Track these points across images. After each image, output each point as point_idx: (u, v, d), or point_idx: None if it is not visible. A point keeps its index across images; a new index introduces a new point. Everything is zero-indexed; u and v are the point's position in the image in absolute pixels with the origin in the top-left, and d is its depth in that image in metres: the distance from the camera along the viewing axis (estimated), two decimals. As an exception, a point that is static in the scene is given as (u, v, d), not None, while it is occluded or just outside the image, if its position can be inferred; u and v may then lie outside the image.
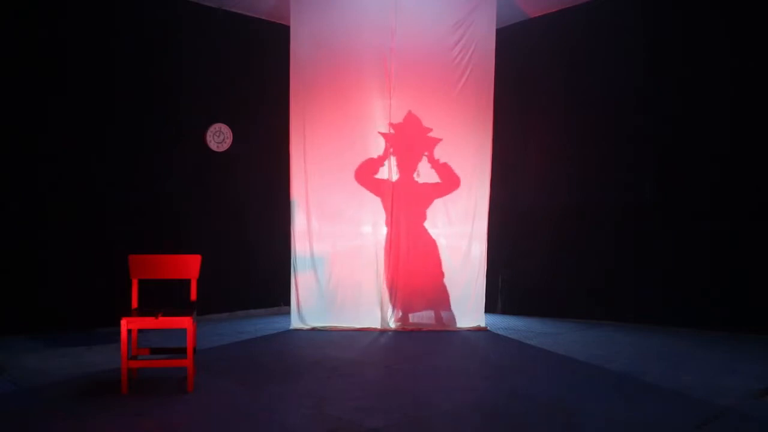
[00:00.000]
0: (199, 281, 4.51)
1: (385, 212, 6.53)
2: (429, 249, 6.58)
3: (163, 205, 6.61)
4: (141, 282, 4.45)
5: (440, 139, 6.52)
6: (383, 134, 6.50)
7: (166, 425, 3.60)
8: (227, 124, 7.04)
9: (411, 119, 6.52)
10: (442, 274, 6.57)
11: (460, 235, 6.58)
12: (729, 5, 6.03)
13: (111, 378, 4.36)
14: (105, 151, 6.30)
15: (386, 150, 6.52)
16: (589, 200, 6.88)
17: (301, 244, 6.49)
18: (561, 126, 7.15)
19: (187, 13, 6.75)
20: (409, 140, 6.52)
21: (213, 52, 6.96)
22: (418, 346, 5.67)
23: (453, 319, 6.51)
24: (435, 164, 6.54)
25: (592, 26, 6.83)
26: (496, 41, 6.58)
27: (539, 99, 7.30)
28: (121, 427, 3.52)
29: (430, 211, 6.59)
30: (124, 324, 4.02)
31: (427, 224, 6.59)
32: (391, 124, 6.50)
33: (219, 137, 6.99)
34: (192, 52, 6.82)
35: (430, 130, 6.52)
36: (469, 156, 6.58)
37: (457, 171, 6.58)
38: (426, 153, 6.53)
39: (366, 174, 6.52)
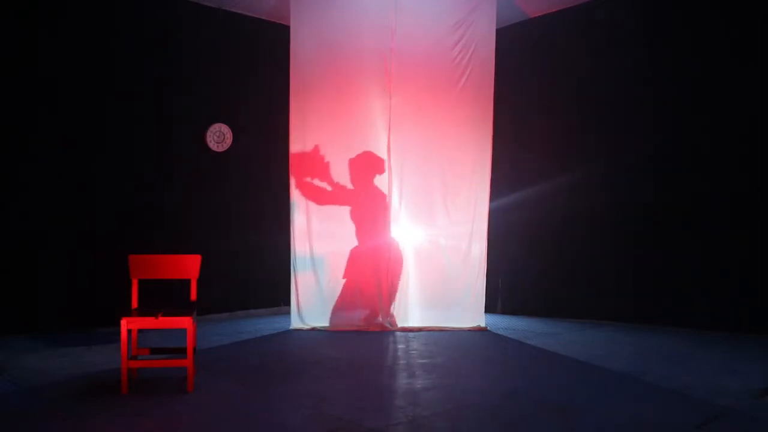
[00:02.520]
0: (199, 281, 4.50)
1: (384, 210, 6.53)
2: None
3: (163, 205, 6.61)
4: (141, 282, 4.45)
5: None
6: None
7: (166, 425, 3.60)
8: (227, 124, 7.04)
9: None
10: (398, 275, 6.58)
11: (460, 235, 6.57)
12: (729, 5, 6.03)
13: (111, 378, 4.36)
14: (105, 151, 6.30)
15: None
16: (589, 200, 6.88)
17: (301, 244, 6.49)
18: (561, 126, 7.14)
19: (187, 13, 6.75)
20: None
21: (213, 52, 6.96)
22: (418, 346, 5.67)
23: (394, 323, 6.46)
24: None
25: (592, 26, 6.83)
26: (496, 41, 6.57)
27: (539, 99, 7.30)
28: (121, 427, 3.52)
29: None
30: (124, 324, 4.02)
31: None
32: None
33: (219, 137, 6.99)
34: (192, 52, 6.82)
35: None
36: (469, 155, 6.57)
37: (457, 171, 6.59)
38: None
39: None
